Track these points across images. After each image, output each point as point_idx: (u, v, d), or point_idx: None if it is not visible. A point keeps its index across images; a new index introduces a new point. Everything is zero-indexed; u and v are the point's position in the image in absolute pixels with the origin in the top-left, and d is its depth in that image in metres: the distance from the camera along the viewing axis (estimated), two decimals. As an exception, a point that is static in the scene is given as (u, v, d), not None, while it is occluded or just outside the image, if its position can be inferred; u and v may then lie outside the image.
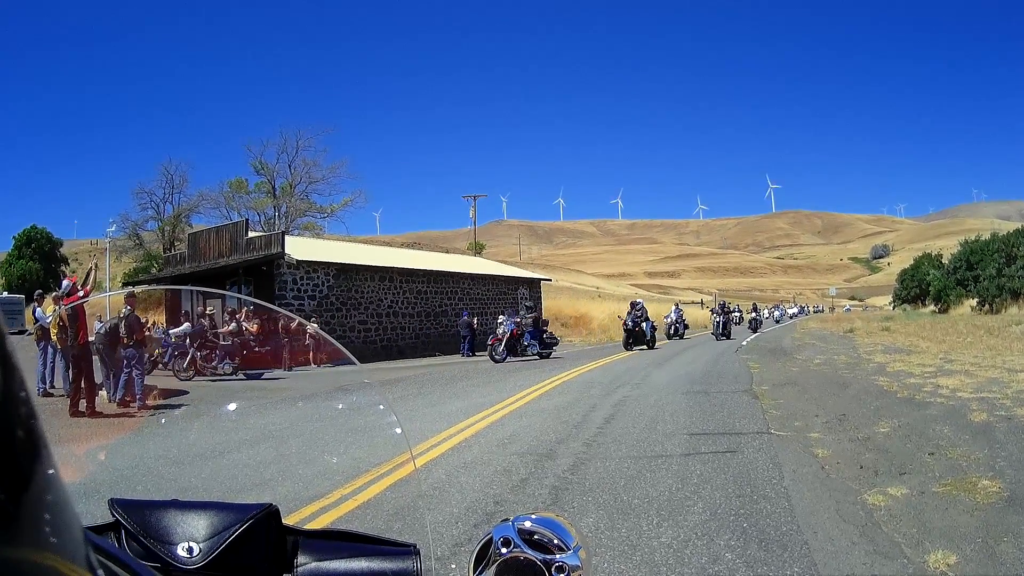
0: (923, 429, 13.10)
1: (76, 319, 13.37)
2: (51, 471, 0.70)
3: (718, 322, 53.40)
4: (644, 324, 46.55)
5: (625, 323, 46.61)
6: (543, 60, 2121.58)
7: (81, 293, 22.27)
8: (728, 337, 51.31)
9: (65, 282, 23.43)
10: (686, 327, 60.06)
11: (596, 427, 14.70)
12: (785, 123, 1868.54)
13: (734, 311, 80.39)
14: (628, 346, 45.08)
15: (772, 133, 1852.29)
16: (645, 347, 45.69)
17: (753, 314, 72.50)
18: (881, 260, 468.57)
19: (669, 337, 55.43)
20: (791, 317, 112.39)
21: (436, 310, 52.39)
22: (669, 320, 57.74)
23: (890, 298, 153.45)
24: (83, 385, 12.50)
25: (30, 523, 0.64)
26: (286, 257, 43.62)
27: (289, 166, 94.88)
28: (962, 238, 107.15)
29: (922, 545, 7.19)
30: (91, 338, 12.47)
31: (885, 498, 8.94)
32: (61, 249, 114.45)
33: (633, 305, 48.24)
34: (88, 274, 18.67)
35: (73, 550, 0.71)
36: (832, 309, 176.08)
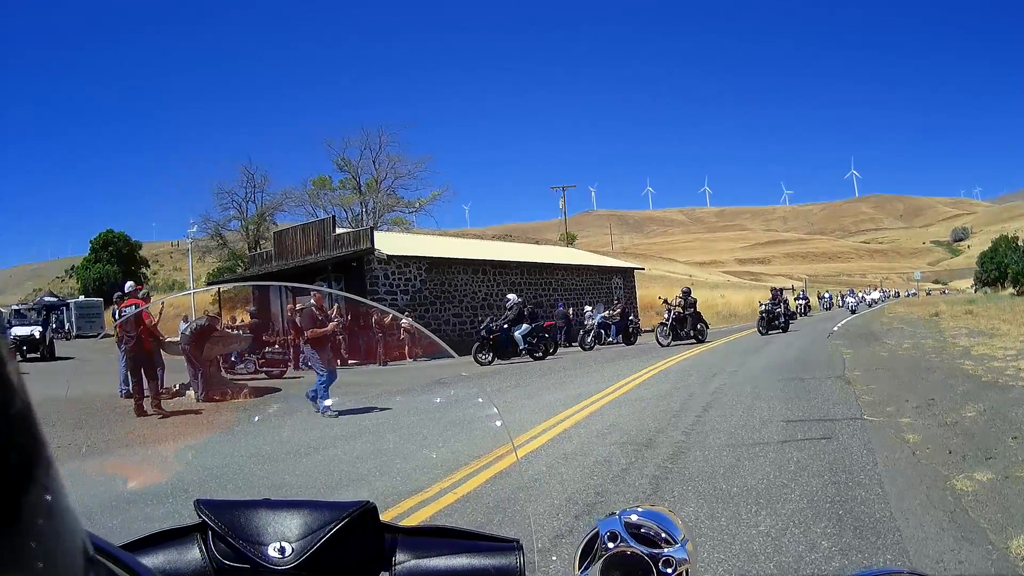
0: (1006, 413, 12.83)
1: (138, 323, 13.54)
2: (48, 496, 0.66)
3: (766, 312, 47.38)
4: (778, 310, 47.19)
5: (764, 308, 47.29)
6: (630, 49, 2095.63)
7: (140, 295, 22.48)
8: (784, 331, 47.11)
9: (128, 284, 23.69)
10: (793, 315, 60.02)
11: (695, 415, 14.65)
12: (864, 105, 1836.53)
13: (800, 298, 77.25)
14: (763, 330, 45.08)
15: (852, 114, 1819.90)
16: (781, 331, 46.12)
17: (851, 299, 76.96)
18: (961, 243, 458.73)
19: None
20: (871, 304, 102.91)
21: (530, 301, 51.08)
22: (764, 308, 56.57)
23: (971, 281, 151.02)
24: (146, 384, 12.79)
25: (12, 549, 0.61)
26: (376, 252, 43.53)
27: (373, 162, 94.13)
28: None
29: (1005, 530, 7.12)
30: (175, 338, 12.67)
31: (972, 483, 8.84)
32: (140, 251, 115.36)
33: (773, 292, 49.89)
34: (158, 308, 18.71)
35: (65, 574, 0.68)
36: (914, 293, 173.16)
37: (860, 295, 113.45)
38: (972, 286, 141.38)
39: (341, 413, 9.61)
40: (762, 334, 43.98)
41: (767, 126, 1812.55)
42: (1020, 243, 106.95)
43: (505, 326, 35.23)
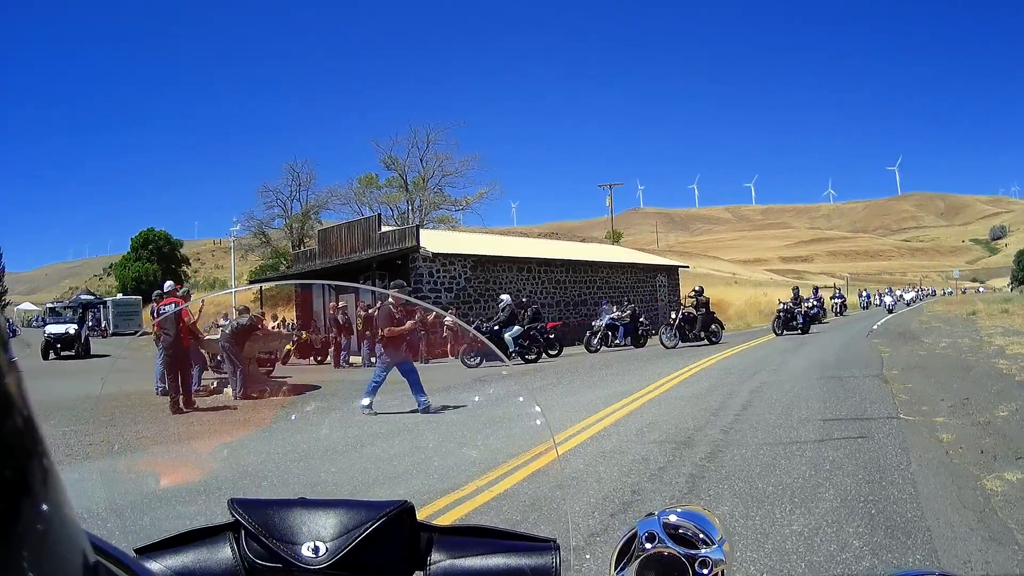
0: (1039, 413, 12.89)
1: (177, 322, 13.73)
2: (46, 507, 0.67)
3: (783, 312, 45.19)
4: (797, 311, 45.16)
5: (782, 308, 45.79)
6: (676, 48, 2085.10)
7: (180, 293, 22.62)
8: (803, 332, 44.06)
9: (168, 283, 23.80)
10: (824, 312, 60.04)
11: (733, 414, 14.67)
12: (905, 103, 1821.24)
13: (836, 297, 76.79)
14: (778, 331, 43.48)
15: (895, 112, 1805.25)
16: (799, 332, 44.08)
17: (888, 298, 76.05)
18: (999, 241, 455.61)
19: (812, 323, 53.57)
20: (908, 304, 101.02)
21: (576, 299, 51.55)
22: (810, 303, 54.78)
23: (1008, 279, 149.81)
24: (180, 382, 12.92)
25: (7, 559, 0.62)
26: (421, 250, 43.32)
27: (420, 160, 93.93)
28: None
29: (1033, 531, 7.14)
30: (215, 336, 12.79)
31: (1002, 483, 8.90)
32: (181, 250, 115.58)
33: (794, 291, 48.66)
34: (198, 306, 18.73)
35: None
36: (951, 292, 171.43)
37: (898, 293, 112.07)
38: (1009, 284, 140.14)
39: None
40: (777, 335, 42.76)
41: (812, 123, 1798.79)
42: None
43: (496, 328, 33.79)
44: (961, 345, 27.20)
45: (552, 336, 36.61)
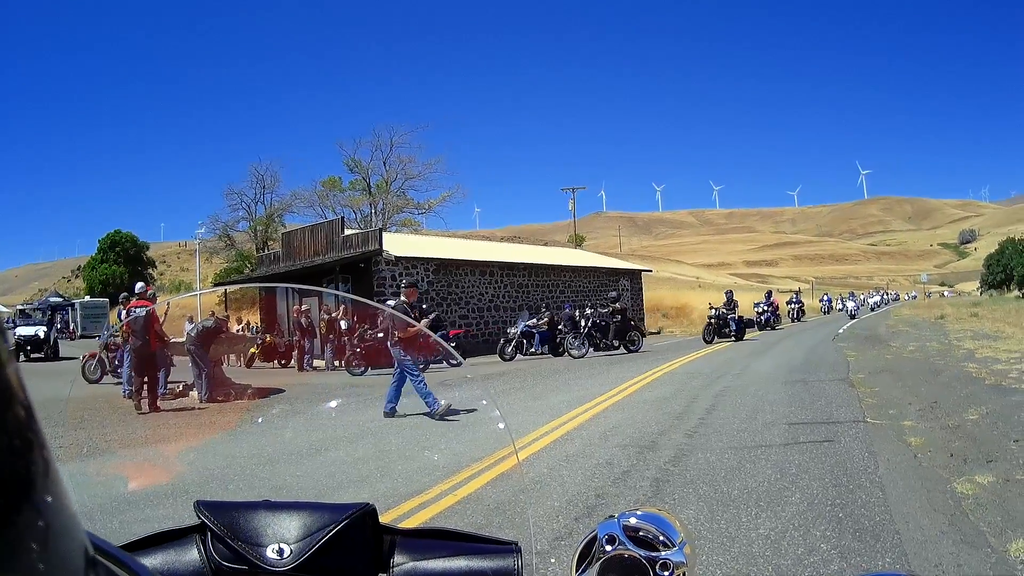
0: (1009, 415, 12.99)
1: (147, 325, 13.70)
2: (49, 498, 0.67)
3: (714, 317, 42.37)
4: (730, 316, 42.69)
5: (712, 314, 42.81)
6: (638, 52, 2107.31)
7: (148, 295, 22.63)
8: (738, 339, 41.83)
9: (139, 285, 23.83)
10: (777, 317, 58.35)
11: (697, 418, 14.67)
12: (873, 107, 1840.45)
13: (793, 301, 73.08)
14: (708, 338, 40.85)
15: (861, 117, 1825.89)
16: (733, 339, 41.63)
17: (850, 302, 71.49)
18: (968, 245, 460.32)
19: (761, 328, 53.63)
20: (872, 308, 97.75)
21: (537, 303, 50.49)
22: (760, 309, 56.03)
23: (977, 283, 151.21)
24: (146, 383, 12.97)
25: (13, 550, 0.63)
26: (384, 254, 43.43)
27: (384, 163, 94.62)
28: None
29: (1005, 534, 7.18)
30: (180, 339, 12.85)
31: (973, 486, 8.91)
32: (147, 252, 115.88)
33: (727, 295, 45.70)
34: (163, 308, 18.69)
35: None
36: (915, 296, 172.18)
37: (862, 297, 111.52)
38: (978, 289, 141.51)
39: (343, 415, 9.64)
40: (707, 342, 40.01)
41: (777, 128, 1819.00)
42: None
43: (380, 335, 31.64)
44: (929, 349, 27.48)
45: (454, 344, 35.32)
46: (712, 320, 42.19)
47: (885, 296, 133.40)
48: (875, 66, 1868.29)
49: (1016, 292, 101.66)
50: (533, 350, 38.26)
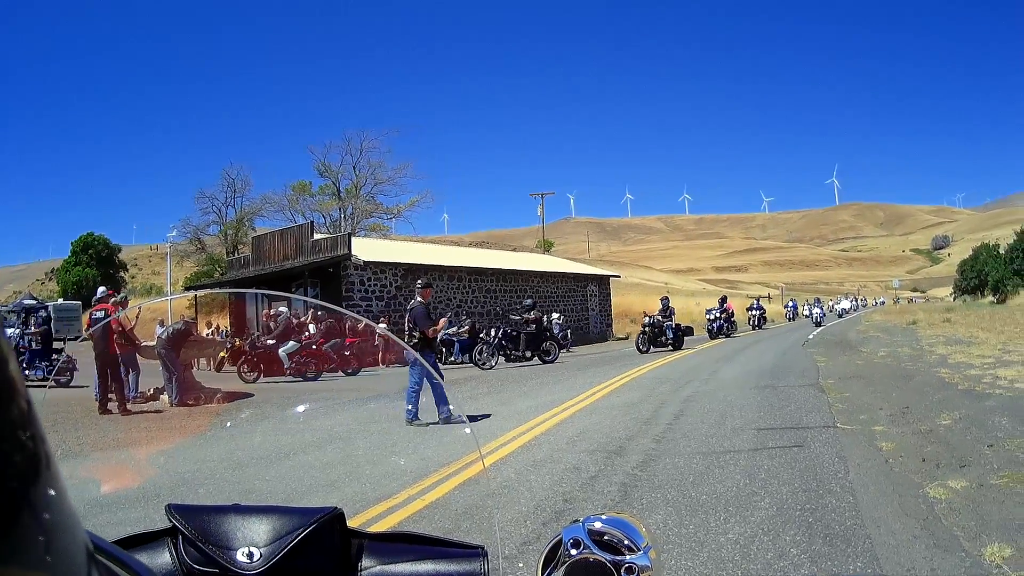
0: (983, 420, 13.03)
1: (106, 329, 13.76)
2: (52, 491, 0.69)
3: (648, 325, 40.61)
4: (667, 324, 40.38)
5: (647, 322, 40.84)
6: (608, 57, 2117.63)
7: (118, 299, 22.65)
8: (676, 348, 39.89)
9: (101, 289, 23.81)
10: (733, 325, 56.25)
11: (665, 423, 14.70)
12: (846, 113, 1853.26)
13: (754, 308, 69.07)
14: (643, 347, 39.11)
15: (834, 123, 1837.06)
16: (670, 348, 39.58)
17: (816, 309, 69.60)
18: (942, 251, 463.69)
19: (713, 336, 52.10)
20: (840, 315, 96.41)
21: (506, 308, 51.38)
22: (712, 316, 53.88)
23: (951, 289, 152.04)
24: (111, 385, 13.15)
25: (21, 544, 0.64)
26: (353, 258, 43.82)
27: (354, 168, 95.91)
28: (1019, 227, 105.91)
29: (980, 538, 7.19)
30: (151, 343, 12.89)
31: (946, 491, 8.94)
32: (120, 255, 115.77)
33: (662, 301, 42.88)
34: (135, 312, 18.80)
35: (69, 571, 0.71)
36: (883, 302, 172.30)
37: (831, 303, 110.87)
38: (951, 294, 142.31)
39: (311, 419, 9.59)
40: (641, 352, 38.39)
41: (748, 134, 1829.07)
42: (1002, 251, 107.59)
43: (270, 342, 31.32)
44: (901, 354, 27.59)
45: (348, 353, 34.79)
46: (646, 328, 40.58)
47: (855, 302, 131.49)
48: (849, 73, 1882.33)
49: (991, 297, 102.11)
50: (453, 359, 37.36)
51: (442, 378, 15.85)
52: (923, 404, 15.38)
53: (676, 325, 41.28)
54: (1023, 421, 12.69)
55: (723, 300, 56.65)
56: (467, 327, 37.86)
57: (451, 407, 10.70)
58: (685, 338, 42.08)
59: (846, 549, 7.03)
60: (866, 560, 6.73)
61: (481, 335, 37.57)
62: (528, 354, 36.22)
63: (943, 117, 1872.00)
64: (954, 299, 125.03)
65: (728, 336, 52.83)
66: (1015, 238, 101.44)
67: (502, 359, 35.02)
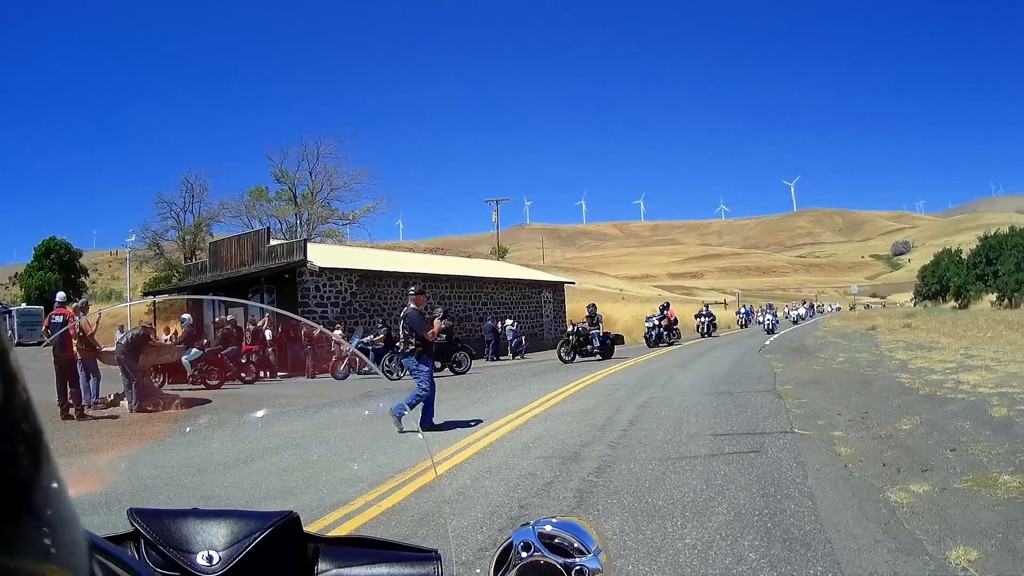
0: (945, 425, 13.14)
1: (63, 335, 13.70)
2: (54, 484, 0.70)
3: (572, 333, 39.41)
4: (593, 332, 39.25)
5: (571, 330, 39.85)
6: (563, 64, 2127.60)
7: (78, 304, 22.63)
8: (605, 356, 38.51)
9: (60, 295, 23.79)
10: (676, 333, 53.92)
11: (621, 429, 14.70)
12: (804, 121, 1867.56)
13: (703, 315, 65.85)
14: (567, 356, 38.05)
15: (792, 131, 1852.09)
16: (598, 357, 38.23)
17: (768, 315, 65.29)
18: (902, 257, 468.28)
19: (650, 343, 49.48)
20: (796, 321, 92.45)
21: (460, 315, 51.82)
22: (651, 323, 51.25)
23: (911, 295, 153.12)
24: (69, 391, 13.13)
25: (29, 534, 0.65)
26: (308, 264, 43.77)
27: (310, 173, 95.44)
28: (981, 233, 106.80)
29: (944, 542, 7.20)
30: (111, 348, 12.86)
31: (907, 495, 8.97)
32: (80, 260, 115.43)
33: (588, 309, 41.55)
34: (95, 318, 18.79)
35: (74, 563, 0.72)
36: (838, 308, 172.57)
37: (786, 309, 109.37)
38: (912, 300, 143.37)
39: (268, 425, 9.53)
40: (565, 361, 37.37)
41: (704, 140, 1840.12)
42: (964, 257, 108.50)
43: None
44: (860, 360, 27.83)
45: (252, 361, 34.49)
46: (570, 337, 39.55)
47: (811, 308, 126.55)
48: (808, 79, 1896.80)
49: (953, 303, 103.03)
50: (366, 369, 35.90)
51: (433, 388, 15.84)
52: (883, 409, 15.46)
53: (604, 333, 40.32)
54: (986, 425, 12.84)
55: (665, 307, 56.09)
56: (382, 335, 36.89)
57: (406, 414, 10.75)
58: (616, 347, 40.55)
59: (806, 553, 7.01)
60: (827, 564, 6.72)
61: (397, 344, 36.51)
62: (438, 364, 34.50)
63: (903, 123, 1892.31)
64: (915, 305, 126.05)
65: (671, 345, 50.70)
66: (978, 244, 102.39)
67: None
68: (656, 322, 51.11)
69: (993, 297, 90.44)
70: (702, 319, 65.52)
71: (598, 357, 38.33)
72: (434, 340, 16.43)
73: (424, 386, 15.68)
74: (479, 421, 16.24)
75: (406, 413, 14.88)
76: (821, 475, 10.29)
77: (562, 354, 38.42)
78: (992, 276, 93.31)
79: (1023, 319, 46.03)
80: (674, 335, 53.38)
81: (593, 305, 43.01)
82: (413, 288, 17.10)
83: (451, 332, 35.90)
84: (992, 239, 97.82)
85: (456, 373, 34.41)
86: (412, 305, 16.50)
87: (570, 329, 40.16)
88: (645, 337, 50.79)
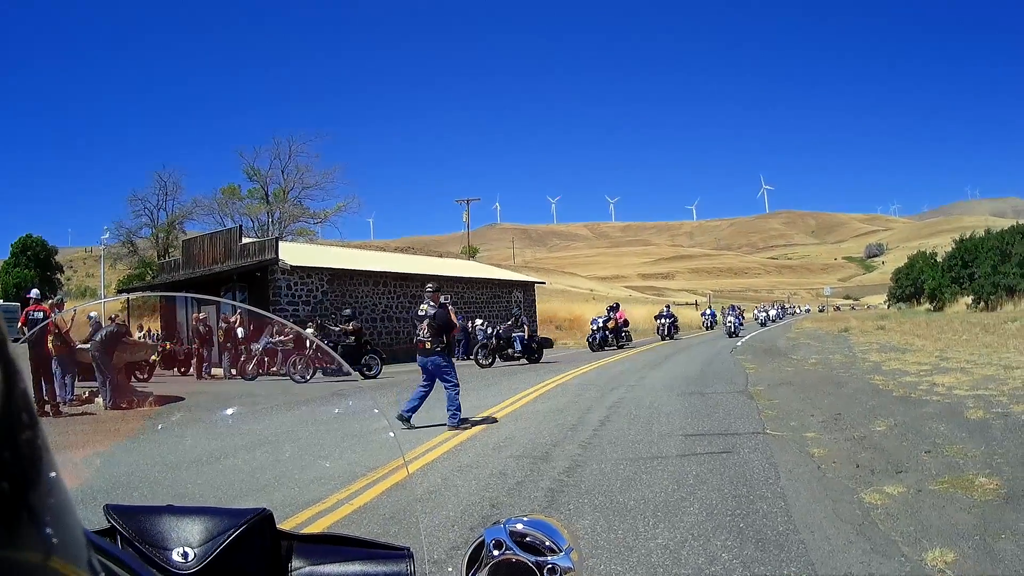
0: (919, 427, 13.18)
1: (43, 331, 13.72)
2: (53, 474, 0.69)
3: (493, 336, 39.57)
4: (517, 335, 37.90)
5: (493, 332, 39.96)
6: (534, 64, 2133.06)
7: (53, 301, 22.68)
8: (533, 360, 37.31)
9: (34, 292, 23.76)
10: (626, 335, 51.46)
11: (592, 429, 14.73)
12: (778, 123, 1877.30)
13: (663, 316, 61.68)
14: (484, 361, 36.87)
15: (765, 133, 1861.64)
16: (522, 362, 37.10)
17: (731, 317, 61.31)
18: (876, 259, 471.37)
19: (594, 347, 47.18)
20: (764, 324, 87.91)
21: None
22: (596, 325, 48.97)
23: (884, 297, 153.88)
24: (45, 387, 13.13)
25: (33, 525, 0.64)
26: (280, 263, 43.75)
27: (282, 172, 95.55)
28: (957, 236, 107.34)
29: (920, 543, 7.21)
30: (86, 346, 12.87)
31: (882, 496, 8.98)
32: (56, 257, 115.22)
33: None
34: (70, 314, 18.89)
35: (75, 553, 0.71)
36: (807, 310, 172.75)
37: (756, 311, 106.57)
38: (886, 302, 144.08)
39: (240, 423, 9.44)
40: (482, 366, 36.18)
41: (676, 141, 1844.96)
42: (939, 259, 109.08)
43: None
44: (833, 361, 28.02)
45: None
46: (491, 340, 38.89)
47: (780, 310, 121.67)
48: (784, 80, 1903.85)
49: (927, 305, 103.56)
50: (274, 369, 35.64)
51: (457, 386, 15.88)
52: (856, 411, 15.52)
53: (530, 336, 38.86)
54: (962, 427, 12.91)
55: (614, 308, 53.30)
56: (290, 336, 36.29)
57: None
58: (545, 351, 39.05)
59: (779, 554, 7.02)
60: (800, 565, 6.73)
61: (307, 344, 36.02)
62: (524, 355, 36.13)
63: (878, 126, 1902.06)
64: (888, 307, 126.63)
65: (620, 348, 48.28)
66: (953, 246, 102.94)
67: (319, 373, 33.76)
68: (601, 324, 49.05)
69: (969, 300, 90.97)
70: (662, 320, 61.74)
71: (523, 362, 37.45)
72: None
73: (455, 381, 16.05)
74: (465, 420, 16.23)
75: (459, 414, 15.64)
76: (794, 476, 10.31)
77: (478, 357, 37.39)
78: (968, 279, 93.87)
79: (999, 322, 46.25)
80: (623, 338, 50.91)
81: (518, 308, 44.23)
82: (430, 286, 16.96)
83: (360, 335, 35.40)
84: (968, 242, 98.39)
85: (366, 377, 33.39)
86: (431, 303, 16.34)
87: (490, 332, 40.43)
88: (588, 341, 48.57)
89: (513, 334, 38.41)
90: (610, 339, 48.74)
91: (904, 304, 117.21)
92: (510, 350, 37.91)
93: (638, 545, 7.44)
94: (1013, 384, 17.31)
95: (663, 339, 56.94)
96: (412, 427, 15.34)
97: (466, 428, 15.19)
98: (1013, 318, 47.68)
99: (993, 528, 7.51)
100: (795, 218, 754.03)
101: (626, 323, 52.73)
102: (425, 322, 16.40)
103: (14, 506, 0.62)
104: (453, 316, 16.96)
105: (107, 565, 1.14)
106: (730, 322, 59.85)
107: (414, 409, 15.81)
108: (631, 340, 53.27)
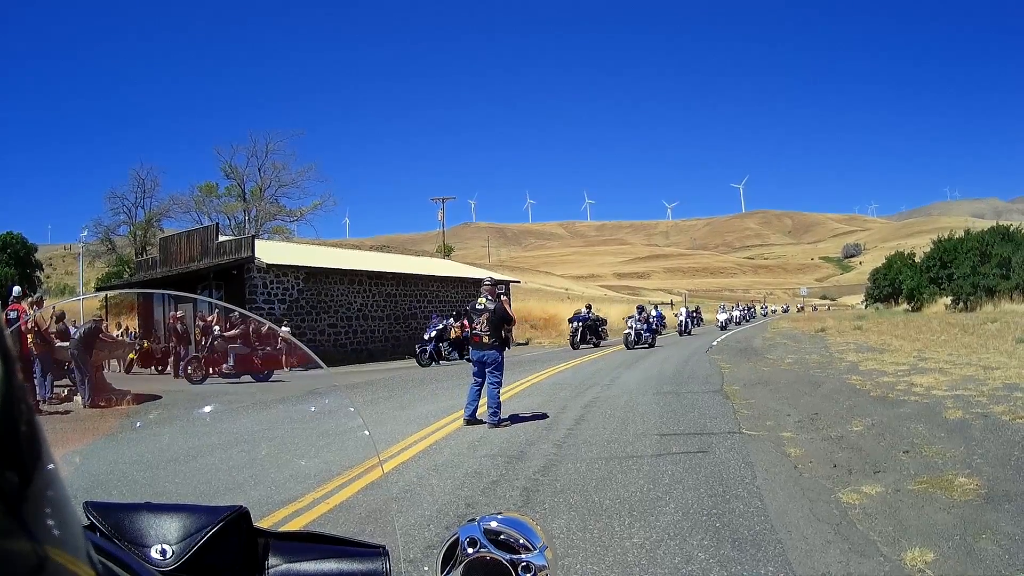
0: (897, 427, 13.21)
1: (17, 330, 13.61)
2: (51, 466, 0.71)
3: (432, 337, 37.97)
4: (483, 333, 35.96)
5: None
6: (511, 63, 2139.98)
7: (33, 299, 22.63)
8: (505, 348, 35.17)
9: (16, 289, 23.72)
10: (601, 335, 50.67)
11: (567, 428, 14.77)
12: (754, 123, 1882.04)
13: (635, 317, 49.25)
14: (424, 362, 37.04)
15: (741, 133, 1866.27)
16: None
17: (683, 315, 62.05)
18: (853, 259, 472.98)
19: (575, 345, 47.21)
20: (723, 326, 77.33)
21: (406, 313, 52.68)
22: (574, 326, 48.62)
23: (861, 297, 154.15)
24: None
25: (34, 516, 0.64)
26: (256, 261, 43.90)
27: (259, 170, 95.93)
28: (935, 236, 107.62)
29: (899, 543, 7.23)
30: (65, 344, 12.79)
31: (860, 496, 9.00)
32: (36, 254, 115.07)
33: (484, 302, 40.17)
34: (49, 312, 18.81)
35: (75, 544, 0.72)
36: (774, 310, 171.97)
37: (717, 312, 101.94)
38: (863, 302, 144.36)
39: (216, 421, 9.42)
40: (423, 365, 36.55)
41: (652, 140, 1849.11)
42: (917, 260, 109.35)
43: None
44: (809, 361, 28.05)
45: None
46: (428, 344, 38.29)
47: (746, 310, 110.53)
48: (760, 79, 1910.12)
49: (905, 306, 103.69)
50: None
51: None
52: (833, 411, 15.56)
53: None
54: (941, 427, 12.93)
55: (587, 308, 53.49)
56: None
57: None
58: (518, 348, 38.44)
59: (756, 554, 7.04)
60: (778, 564, 6.74)
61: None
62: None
63: (856, 125, 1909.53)
64: (866, 307, 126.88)
65: (596, 347, 47.62)
66: (931, 246, 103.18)
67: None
68: (577, 323, 48.76)
69: (948, 300, 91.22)
70: (633, 321, 48.98)
71: (591, 345, 39.26)
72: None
73: (500, 379, 16.15)
74: (545, 415, 16.51)
75: (499, 412, 15.54)
76: (770, 475, 10.35)
77: (420, 359, 37.47)
78: (946, 279, 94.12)
79: (978, 322, 46.35)
80: (601, 336, 51.02)
81: (472, 305, 41.02)
82: (489, 279, 16.93)
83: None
84: (947, 242, 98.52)
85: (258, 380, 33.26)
86: (488, 296, 16.26)
87: (432, 333, 39.10)
88: (570, 337, 48.45)
89: (485, 335, 36.16)
90: (588, 337, 48.68)
91: (882, 304, 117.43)
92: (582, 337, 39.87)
93: (614, 544, 7.45)
94: (993, 385, 17.34)
95: (628, 348, 46.46)
96: (479, 423, 15.45)
97: (506, 425, 15.17)
98: (992, 319, 47.82)
99: (973, 528, 7.54)
100: (771, 218, 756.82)
101: (604, 321, 53.19)
102: (484, 315, 16.40)
103: (16, 497, 0.63)
104: (511, 311, 16.95)
105: (99, 559, 1.07)
106: (682, 320, 61.57)
107: (475, 409, 15.83)
108: (607, 338, 53.19)
